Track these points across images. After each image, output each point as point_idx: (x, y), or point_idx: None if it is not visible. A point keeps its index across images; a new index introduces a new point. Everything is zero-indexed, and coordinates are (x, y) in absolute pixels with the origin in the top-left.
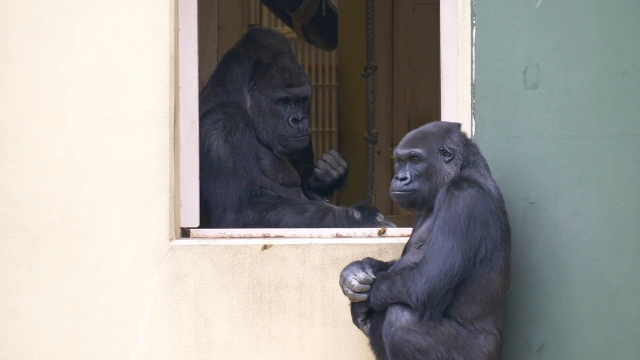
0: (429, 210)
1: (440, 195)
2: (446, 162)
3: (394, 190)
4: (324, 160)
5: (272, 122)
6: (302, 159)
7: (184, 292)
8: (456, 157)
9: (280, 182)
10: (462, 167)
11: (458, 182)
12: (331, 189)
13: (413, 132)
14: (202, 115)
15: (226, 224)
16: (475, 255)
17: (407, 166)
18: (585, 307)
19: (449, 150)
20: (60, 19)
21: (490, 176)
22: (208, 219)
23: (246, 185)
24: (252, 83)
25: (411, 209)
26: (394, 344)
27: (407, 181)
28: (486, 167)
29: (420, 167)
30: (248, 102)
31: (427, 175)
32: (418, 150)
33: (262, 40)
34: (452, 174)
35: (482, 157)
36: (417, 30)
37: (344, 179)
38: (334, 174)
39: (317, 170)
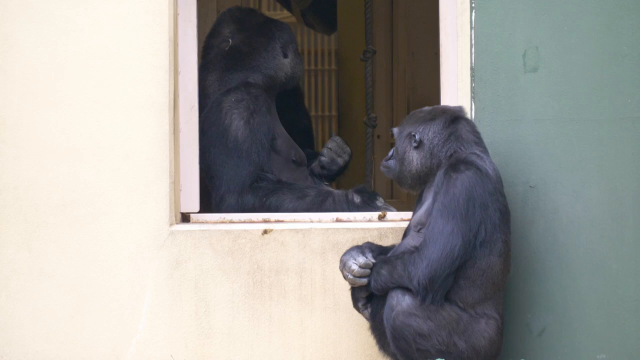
0: (423, 192)
1: (438, 178)
2: (414, 147)
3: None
4: (329, 148)
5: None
6: (303, 142)
7: (184, 277)
8: (426, 146)
9: (294, 159)
10: (455, 152)
11: (455, 165)
12: (336, 175)
13: (412, 112)
14: (225, 91)
15: (226, 206)
16: (475, 237)
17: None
18: (586, 291)
19: (417, 138)
20: (59, 3)
21: (489, 158)
22: (208, 195)
23: (253, 170)
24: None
25: (398, 185)
26: (395, 328)
27: (388, 157)
28: (484, 149)
29: (396, 147)
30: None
31: (397, 156)
32: (395, 130)
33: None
34: (416, 162)
35: (479, 139)
36: (416, 14)
37: (348, 165)
38: (340, 161)
39: (322, 158)
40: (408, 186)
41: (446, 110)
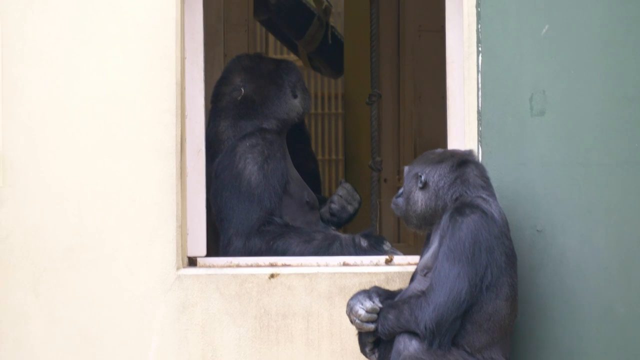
0: (431, 235)
1: (444, 222)
2: (419, 188)
3: None
4: (340, 196)
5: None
6: (310, 187)
7: (191, 322)
8: (431, 187)
9: (307, 200)
10: (461, 195)
11: (461, 208)
12: (345, 223)
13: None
14: (241, 137)
15: (233, 249)
16: (481, 281)
17: None
18: (593, 335)
19: (422, 179)
20: (67, 48)
21: (495, 201)
22: (216, 237)
23: (263, 215)
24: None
25: (405, 223)
26: None
27: (397, 195)
28: (491, 193)
29: (404, 186)
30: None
31: (404, 195)
32: (405, 169)
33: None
34: (421, 203)
35: (487, 183)
36: (422, 57)
37: (357, 212)
38: (350, 209)
39: (333, 206)
40: (414, 226)
41: (455, 154)
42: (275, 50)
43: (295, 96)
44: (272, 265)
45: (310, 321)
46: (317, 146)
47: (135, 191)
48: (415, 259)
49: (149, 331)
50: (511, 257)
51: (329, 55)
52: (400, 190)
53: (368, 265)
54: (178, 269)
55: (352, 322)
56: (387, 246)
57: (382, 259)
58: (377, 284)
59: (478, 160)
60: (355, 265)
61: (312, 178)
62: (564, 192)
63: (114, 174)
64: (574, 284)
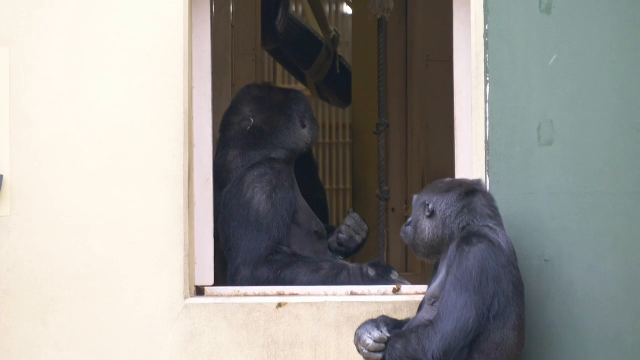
0: (439, 264)
1: (451, 251)
2: (427, 217)
3: None
4: (348, 226)
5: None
6: (318, 216)
7: (198, 351)
8: (438, 216)
9: (315, 229)
10: (468, 224)
11: (468, 238)
12: (353, 253)
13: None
14: (250, 167)
15: (240, 278)
16: (488, 310)
17: None
18: None
19: (430, 207)
20: (75, 78)
21: (503, 231)
22: (224, 266)
23: (271, 245)
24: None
25: (414, 252)
26: None
27: (407, 223)
28: (499, 222)
29: (412, 214)
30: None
31: (413, 224)
32: (414, 197)
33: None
34: (428, 231)
35: (495, 212)
36: (430, 87)
37: (365, 242)
38: (358, 239)
39: (341, 236)
40: (422, 254)
41: (463, 183)
42: (284, 79)
43: (304, 126)
44: (279, 294)
45: (318, 350)
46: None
47: (143, 220)
48: (423, 288)
49: None
50: (519, 286)
51: (337, 84)
52: (410, 219)
53: (376, 294)
54: (186, 298)
55: (359, 351)
56: (394, 275)
57: (389, 288)
58: (384, 313)
59: (486, 189)
60: (362, 294)
61: (319, 207)
62: (571, 222)
63: (122, 203)
64: (582, 313)
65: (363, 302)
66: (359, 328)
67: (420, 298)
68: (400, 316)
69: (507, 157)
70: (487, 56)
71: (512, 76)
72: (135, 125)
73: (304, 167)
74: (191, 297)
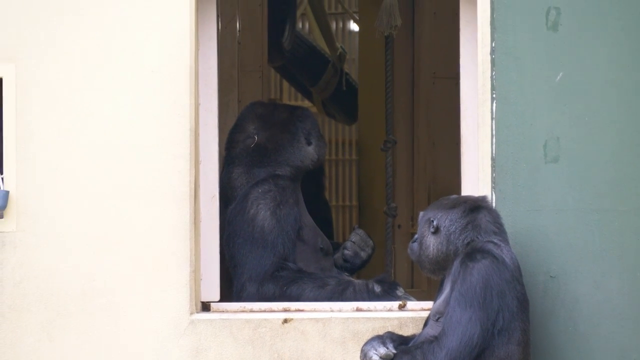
0: (444, 280)
1: (455, 267)
2: (431, 233)
3: None
4: (353, 242)
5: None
6: (323, 233)
7: None
8: (442, 232)
9: (321, 246)
10: (472, 240)
11: (472, 254)
12: (358, 269)
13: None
14: (254, 184)
15: (246, 294)
16: (493, 325)
17: None
18: None
19: (434, 224)
20: (81, 94)
21: (507, 247)
22: (230, 282)
23: (276, 261)
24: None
25: (420, 268)
26: None
27: (413, 239)
28: (504, 239)
29: (418, 230)
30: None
31: (418, 240)
32: (420, 214)
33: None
34: (432, 248)
35: (500, 228)
36: (437, 104)
37: (370, 258)
38: (363, 255)
39: (346, 252)
40: (428, 270)
41: (468, 200)
42: (290, 96)
43: (309, 143)
44: (285, 310)
45: None
46: (331, 192)
47: (149, 236)
48: (428, 304)
49: None
50: (523, 302)
51: (344, 101)
52: (416, 236)
53: (381, 310)
54: (191, 314)
55: None
56: (400, 292)
57: (395, 304)
58: (390, 329)
59: (492, 206)
60: (368, 310)
61: (325, 224)
62: (577, 238)
63: (128, 219)
64: (587, 329)
65: (369, 318)
66: (365, 344)
67: (425, 314)
68: (406, 332)
69: (513, 173)
70: (493, 73)
71: (519, 93)
72: (141, 142)
73: (311, 185)
74: (197, 312)
